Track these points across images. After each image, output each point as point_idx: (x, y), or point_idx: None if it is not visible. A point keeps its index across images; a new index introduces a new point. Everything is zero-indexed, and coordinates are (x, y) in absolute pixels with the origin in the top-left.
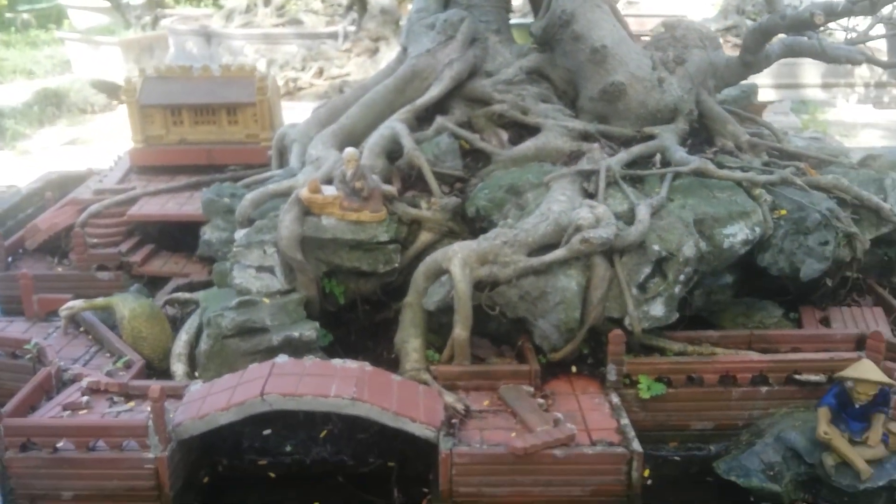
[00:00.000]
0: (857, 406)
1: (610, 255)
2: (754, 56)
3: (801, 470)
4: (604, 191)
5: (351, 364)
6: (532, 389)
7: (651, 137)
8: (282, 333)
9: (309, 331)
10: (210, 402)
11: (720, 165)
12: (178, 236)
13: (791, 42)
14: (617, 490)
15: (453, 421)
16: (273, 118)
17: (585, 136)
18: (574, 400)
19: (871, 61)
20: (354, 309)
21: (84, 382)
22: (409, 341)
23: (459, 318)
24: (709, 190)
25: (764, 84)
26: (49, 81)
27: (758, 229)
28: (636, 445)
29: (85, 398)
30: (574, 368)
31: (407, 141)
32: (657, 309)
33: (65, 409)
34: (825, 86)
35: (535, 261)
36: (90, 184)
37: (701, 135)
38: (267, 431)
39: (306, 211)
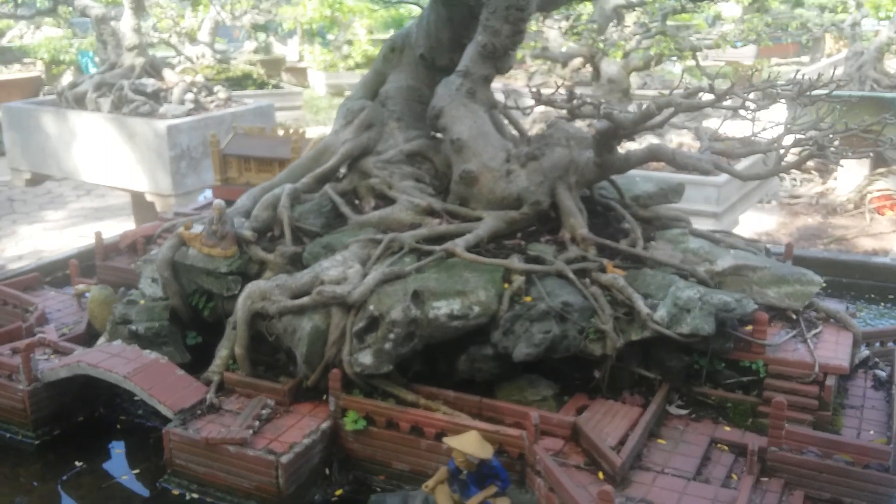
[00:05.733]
0: (462, 472)
1: (348, 308)
2: (602, 158)
3: None
4: (378, 257)
5: (151, 355)
6: (273, 403)
7: (480, 219)
8: (134, 326)
9: (144, 328)
10: (62, 362)
11: (529, 251)
12: None
13: (654, 148)
14: (271, 490)
15: (198, 411)
16: None
17: (431, 213)
18: (298, 418)
19: (722, 169)
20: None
21: (35, 338)
22: (221, 351)
23: (238, 338)
24: (465, 269)
25: None
26: None
27: (476, 308)
28: (285, 459)
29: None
30: (325, 396)
31: (284, 200)
32: (366, 358)
33: (12, 350)
34: None
35: (290, 303)
36: (179, 208)
37: (552, 223)
38: (137, 397)
39: (183, 242)
